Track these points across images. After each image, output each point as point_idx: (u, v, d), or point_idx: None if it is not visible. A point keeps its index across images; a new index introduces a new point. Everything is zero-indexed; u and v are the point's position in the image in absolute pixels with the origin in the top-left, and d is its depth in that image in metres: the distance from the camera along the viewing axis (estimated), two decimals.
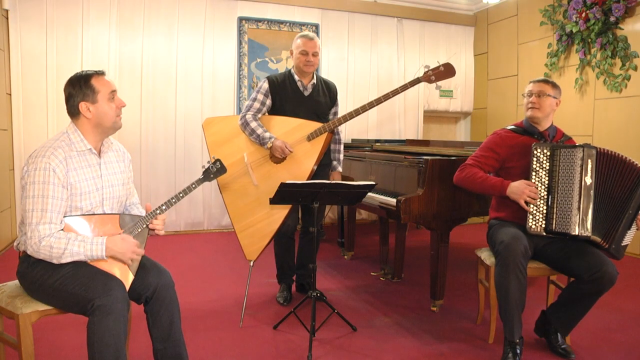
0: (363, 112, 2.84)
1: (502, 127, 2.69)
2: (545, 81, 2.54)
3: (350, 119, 2.85)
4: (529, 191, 2.34)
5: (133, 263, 1.82)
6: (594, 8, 4.53)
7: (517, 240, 2.25)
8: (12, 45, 4.52)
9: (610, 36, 4.49)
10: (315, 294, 2.55)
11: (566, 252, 2.32)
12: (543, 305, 2.82)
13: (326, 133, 2.86)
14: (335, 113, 3.19)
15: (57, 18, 4.68)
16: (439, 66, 2.85)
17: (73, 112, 1.85)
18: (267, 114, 3.06)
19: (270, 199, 2.49)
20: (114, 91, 1.88)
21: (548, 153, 2.37)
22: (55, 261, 1.71)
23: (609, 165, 2.29)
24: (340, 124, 2.88)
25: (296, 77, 3.04)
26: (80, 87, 1.82)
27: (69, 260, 1.71)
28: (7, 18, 4.50)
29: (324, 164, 3.12)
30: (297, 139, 2.87)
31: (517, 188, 2.37)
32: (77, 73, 1.87)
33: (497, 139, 2.59)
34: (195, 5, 5.19)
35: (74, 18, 4.75)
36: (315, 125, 2.88)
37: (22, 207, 1.75)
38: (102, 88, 1.84)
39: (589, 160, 2.27)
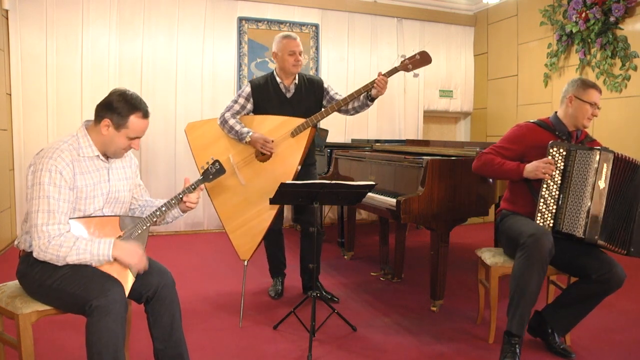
0: (344, 104, 2.89)
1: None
2: (600, 91, 2.48)
3: (332, 112, 2.87)
4: (543, 165, 2.32)
5: (134, 267, 1.81)
6: (594, 8, 4.53)
7: (546, 236, 2.19)
8: (12, 45, 4.52)
9: (610, 36, 4.49)
10: (315, 293, 2.55)
11: (574, 250, 2.30)
12: (543, 304, 2.81)
13: (310, 128, 2.85)
14: (332, 98, 3.06)
15: (57, 18, 4.68)
16: (415, 55, 2.86)
17: (97, 117, 1.84)
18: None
19: (270, 198, 2.49)
20: (138, 137, 1.88)
21: (564, 153, 2.34)
22: (61, 262, 1.70)
23: (625, 170, 2.25)
24: (322, 118, 2.86)
25: (278, 80, 3.02)
26: (120, 109, 1.81)
27: (74, 259, 1.70)
28: (7, 18, 4.50)
29: (308, 164, 3.07)
30: (281, 135, 2.86)
31: (532, 166, 2.36)
32: (131, 95, 1.84)
33: (519, 132, 2.54)
34: (195, 5, 5.19)
35: (74, 18, 4.75)
36: (298, 121, 2.86)
37: (28, 208, 1.75)
38: (133, 128, 1.84)
39: (605, 165, 2.23)
